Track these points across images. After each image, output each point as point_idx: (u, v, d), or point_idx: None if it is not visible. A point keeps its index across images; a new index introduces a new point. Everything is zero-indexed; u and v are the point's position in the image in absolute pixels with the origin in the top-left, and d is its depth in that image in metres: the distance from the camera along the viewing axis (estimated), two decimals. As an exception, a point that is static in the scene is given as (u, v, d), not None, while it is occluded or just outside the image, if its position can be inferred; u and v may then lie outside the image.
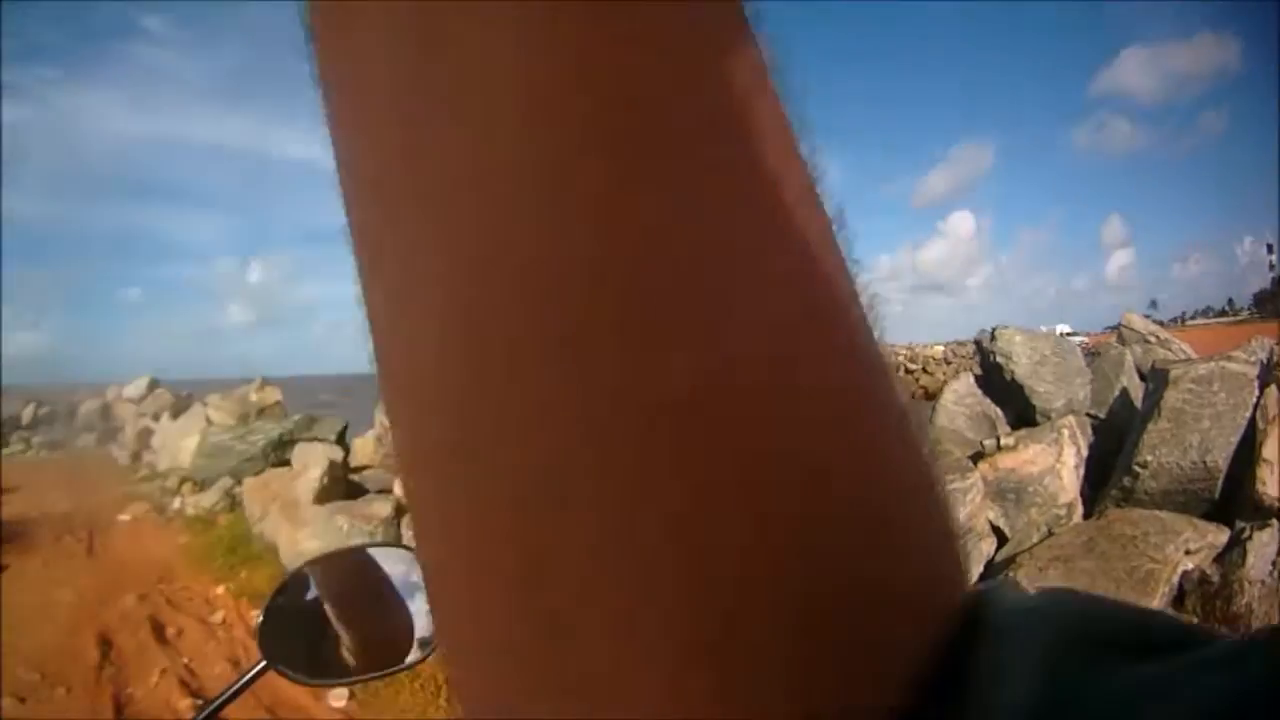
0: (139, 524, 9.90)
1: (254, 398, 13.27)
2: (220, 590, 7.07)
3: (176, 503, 10.50)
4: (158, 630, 6.19)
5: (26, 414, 20.47)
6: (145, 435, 15.43)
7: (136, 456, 15.06)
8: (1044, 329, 8.04)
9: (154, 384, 18.06)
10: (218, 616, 6.49)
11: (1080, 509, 6.02)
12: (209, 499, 9.89)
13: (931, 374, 51.46)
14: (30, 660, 5.72)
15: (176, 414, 14.98)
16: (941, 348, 56.70)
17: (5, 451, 18.54)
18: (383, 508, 6.99)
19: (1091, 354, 7.35)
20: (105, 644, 5.93)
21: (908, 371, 52.51)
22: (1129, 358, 7.31)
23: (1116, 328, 8.27)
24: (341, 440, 10.47)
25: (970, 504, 5.57)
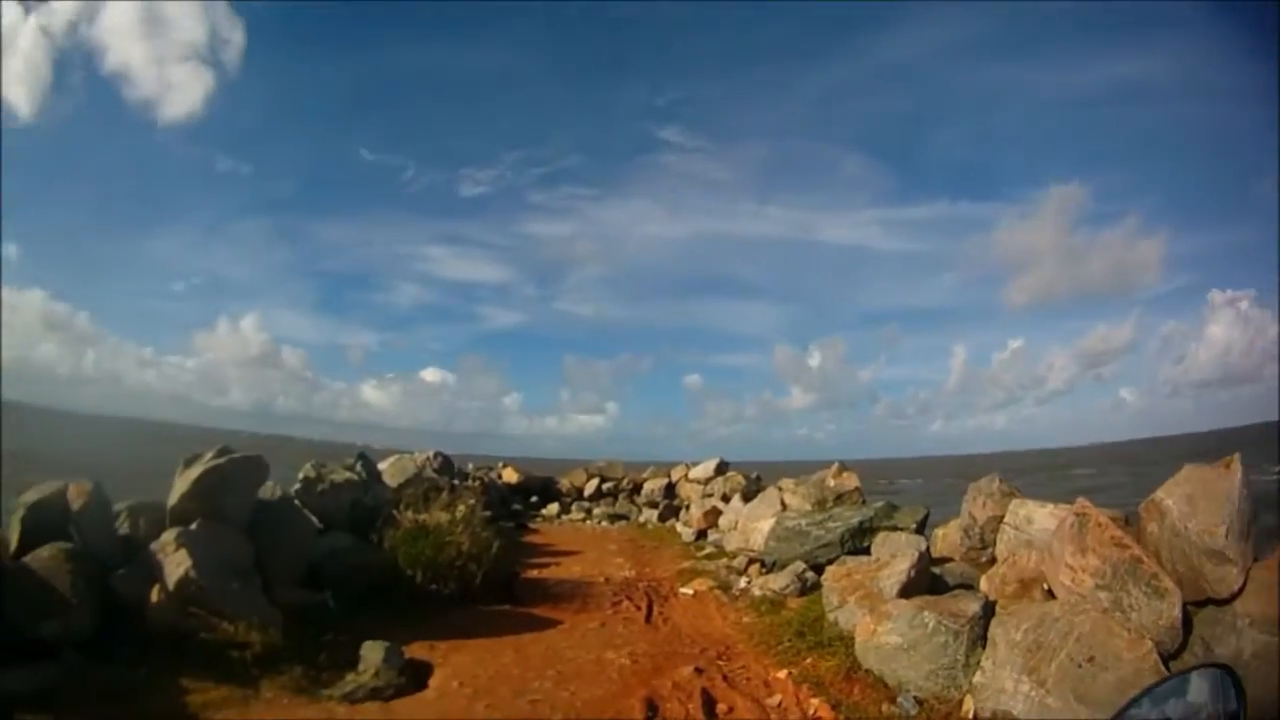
0: (701, 599, 10.75)
1: (831, 483, 13.72)
2: (782, 674, 7.25)
3: (742, 582, 11.28)
4: (708, 704, 6.45)
5: (589, 487, 24.21)
6: (712, 515, 17.11)
7: (703, 535, 16.69)
8: None
9: (722, 466, 20.13)
10: (774, 700, 6.59)
11: None
12: (779, 581, 10.39)
13: None
14: (572, 712, 6.38)
15: (748, 496, 16.43)
16: None
17: (567, 518, 22.15)
18: (970, 605, 6.70)
19: None
20: (652, 709, 6.33)
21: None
22: None
23: None
24: (921, 529, 10.44)
25: None
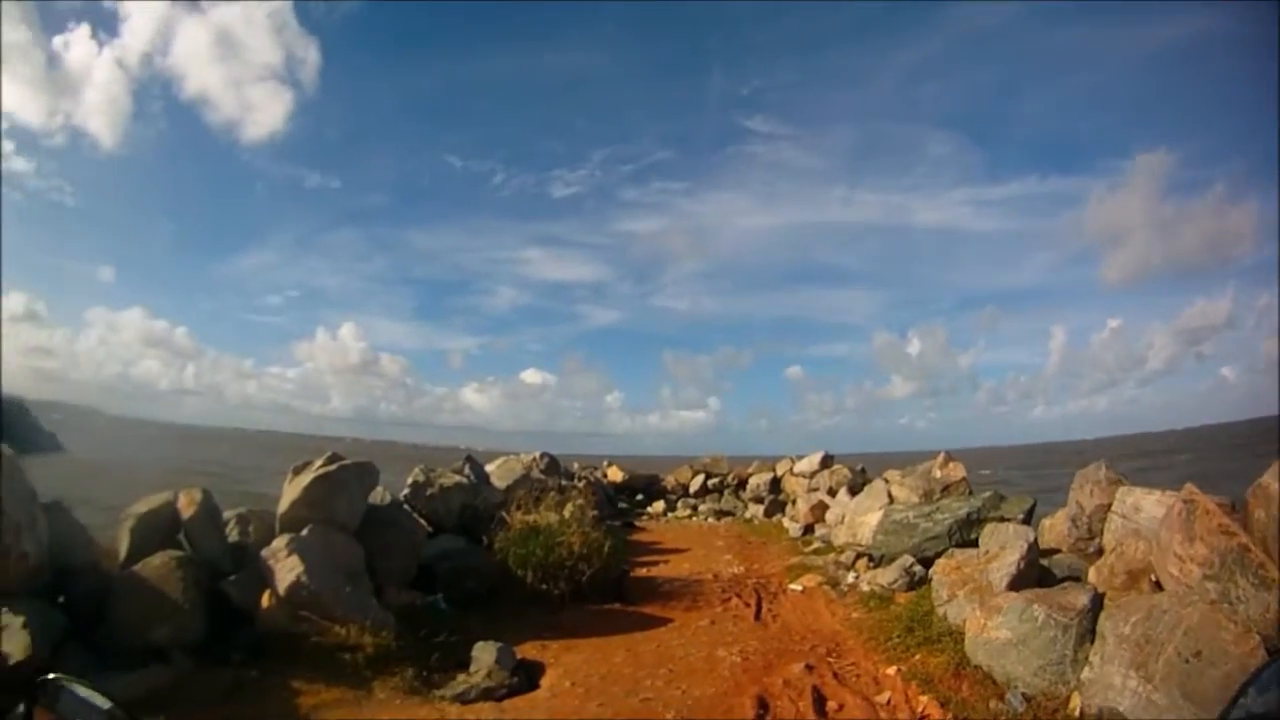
0: (810, 595, 10.79)
1: (937, 473, 13.54)
2: (891, 671, 7.27)
3: (850, 577, 11.28)
4: (819, 702, 6.53)
5: (695, 483, 24.21)
6: (819, 509, 17.04)
7: (809, 529, 16.67)
8: None
9: (827, 459, 19.88)
10: (883, 697, 6.63)
11: None
12: (887, 576, 10.39)
13: None
14: (684, 710, 6.51)
15: (854, 490, 16.33)
16: None
17: (672, 515, 22.24)
18: (1079, 598, 6.60)
19: None
20: (763, 707, 6.42)
21: None
22: None
23: None
24: (1028, 520, 10.22)
25: None
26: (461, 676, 7.38)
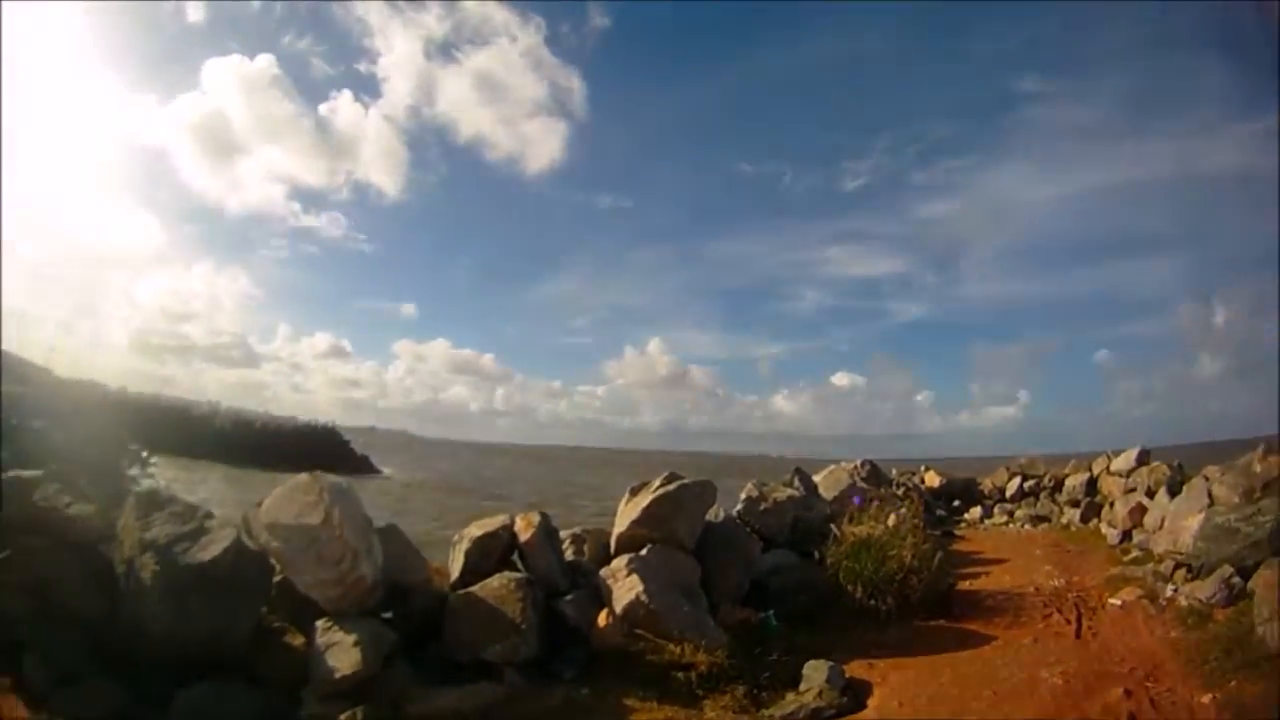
0: (1129, 610, 10.47)
1: (1256, 468, 12.52)
2: (1206, 699, 7.15)
3: (1169, 590, 10.82)
4: None
5: (1011, 487, 23.24)
6: (1137, 512, 16.14)
7: (1128, 535, 15.86)
8: None
9: (1143, 456, 18.63)
10: None
11: None
12: (1205, 589, 9.90)
13: None
14: None
15: (1172, 489, 15.33)
16: None
17: (990, 522, 21.44)
18: None
19: None
20: None
21: None
22: None
23: None
24: None
25: None
26: (791, 696, 7.65)
